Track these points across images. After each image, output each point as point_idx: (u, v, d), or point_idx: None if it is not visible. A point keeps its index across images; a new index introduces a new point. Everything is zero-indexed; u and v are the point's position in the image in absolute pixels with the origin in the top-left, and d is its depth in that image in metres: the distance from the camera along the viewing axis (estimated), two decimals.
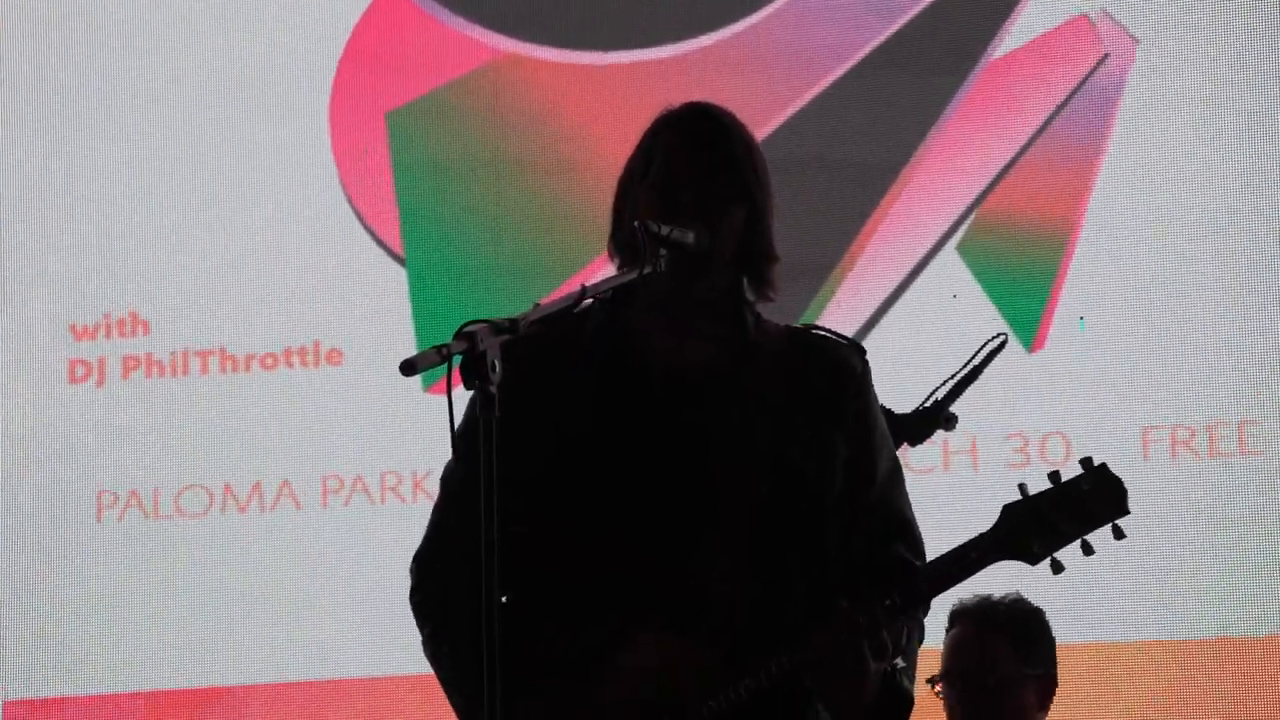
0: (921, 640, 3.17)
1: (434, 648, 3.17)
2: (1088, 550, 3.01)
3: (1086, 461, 3.02)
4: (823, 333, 3.21)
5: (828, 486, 3.09)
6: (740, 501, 3.04)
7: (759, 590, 3.03)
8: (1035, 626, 4.50)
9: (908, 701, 3.08)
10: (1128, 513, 2.99)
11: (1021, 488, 3.02)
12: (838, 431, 3.12)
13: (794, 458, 3.07)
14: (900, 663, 3.04)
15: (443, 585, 3.14)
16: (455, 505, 3.16)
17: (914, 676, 3.11)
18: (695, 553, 3.03)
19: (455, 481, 3.17)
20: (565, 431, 3.08)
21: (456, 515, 3.13)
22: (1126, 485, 3.00)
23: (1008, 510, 3.01)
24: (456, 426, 2.79)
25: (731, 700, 2.99)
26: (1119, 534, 3.00)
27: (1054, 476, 3.02)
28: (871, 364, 3.20)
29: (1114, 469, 3.02)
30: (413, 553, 3.24)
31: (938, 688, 4.47)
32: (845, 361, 3.16)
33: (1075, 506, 2.99)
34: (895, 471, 3.19)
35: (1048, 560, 3.00)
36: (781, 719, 3.03)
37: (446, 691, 3.15)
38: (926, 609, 3.18)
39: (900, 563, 3.08)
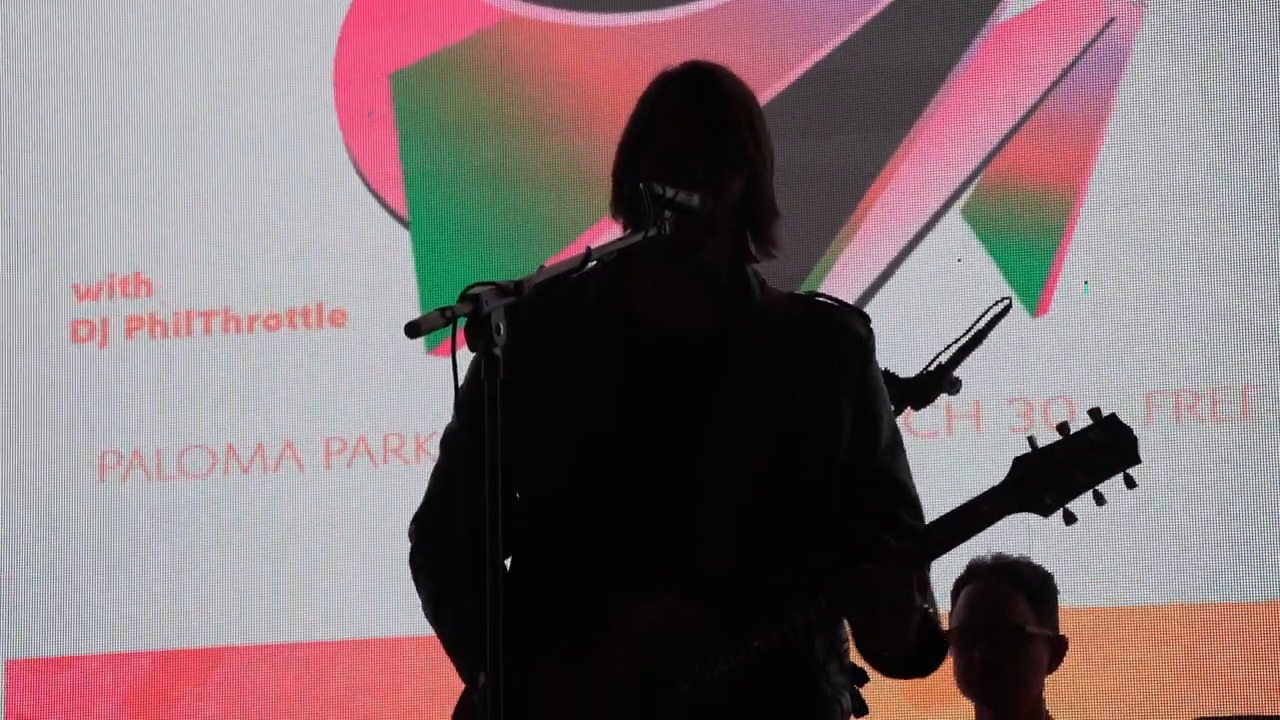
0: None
1: (435, 609, 3.16)
2: (1100, 500, 2.99)
3: (1095, 412, 3.01)
4: (826, 300, 3.20)
5: (832, 453, 3.09)
6: (744, 470, 3.04)
7: (761, 556, 3.03)
8: (1049, 586, 4.52)
9: (943, 645, 3.12)
10: (1138, 461, 2.98)
11: (1030, 440, 3.01)
12: (843, 398, 3.11)
13: (797, 425, 3.07)
14: (929, 608, 3.05)
15: (444, 547, 3.14)
16: (457, 467, 3.15)
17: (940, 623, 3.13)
18: (698, 521, 3.02)
19: (457, 442, 3.17)
20: (566, 397, 3.08)
21: (458, 477, 3.13)
22: (1136, 434, 2.99)
23: (1019, 462, 3.00)
24: (460, 388, 2.79)
25: (736, 662, 2.99)
26: (1130, 483, 2.99)
27: (1063, 428, 3.01)
28: (876, 327, 3.19)
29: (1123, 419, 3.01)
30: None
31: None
32: (850, 328, 3.16)
33: (1086, 456, 2.98)
34: (896, 439, 3.19)
35: (1060, 512, 2.99)
36: (788, 683, 3.04)
37: (449, 652, 3.14)
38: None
39: (905, 526, 3.07)
